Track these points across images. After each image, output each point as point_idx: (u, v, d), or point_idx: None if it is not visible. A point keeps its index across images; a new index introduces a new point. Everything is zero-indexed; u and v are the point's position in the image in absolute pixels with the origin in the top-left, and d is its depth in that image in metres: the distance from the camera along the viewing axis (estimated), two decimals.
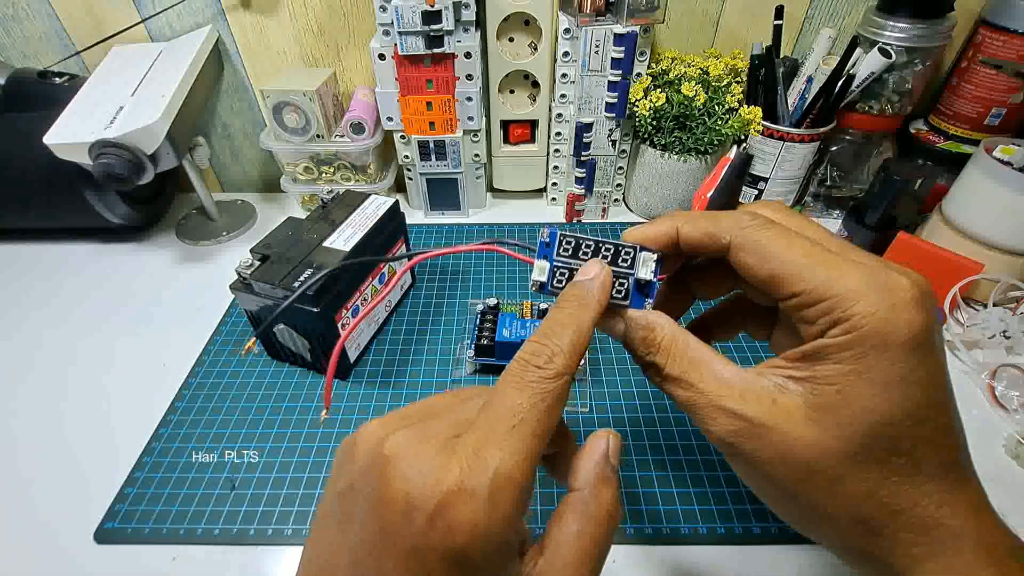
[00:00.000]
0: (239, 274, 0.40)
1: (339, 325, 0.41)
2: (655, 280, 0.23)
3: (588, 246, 0.23)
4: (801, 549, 0.33)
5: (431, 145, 0.57)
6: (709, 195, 0.40)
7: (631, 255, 0.23)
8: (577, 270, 0.23)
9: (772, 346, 0.25)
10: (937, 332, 0.19)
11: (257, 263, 0.41)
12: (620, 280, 0.22)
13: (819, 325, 0.19)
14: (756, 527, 0.34)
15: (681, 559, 0.33)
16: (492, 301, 0.44)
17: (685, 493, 0.36)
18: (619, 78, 0.52)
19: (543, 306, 0.45)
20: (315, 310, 0.38)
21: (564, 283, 0.23)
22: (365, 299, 0.44)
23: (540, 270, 0.23)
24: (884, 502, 0.18)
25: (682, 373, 0.21)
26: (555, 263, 0.23)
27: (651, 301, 0.23)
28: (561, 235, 0.23)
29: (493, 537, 0.16)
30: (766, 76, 0.54)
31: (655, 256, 0.23)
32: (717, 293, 0.26)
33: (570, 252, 0.23)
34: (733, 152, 0.38)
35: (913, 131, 0.59)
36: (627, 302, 0.23)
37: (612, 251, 0.23)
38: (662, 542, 0.33)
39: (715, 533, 0.34)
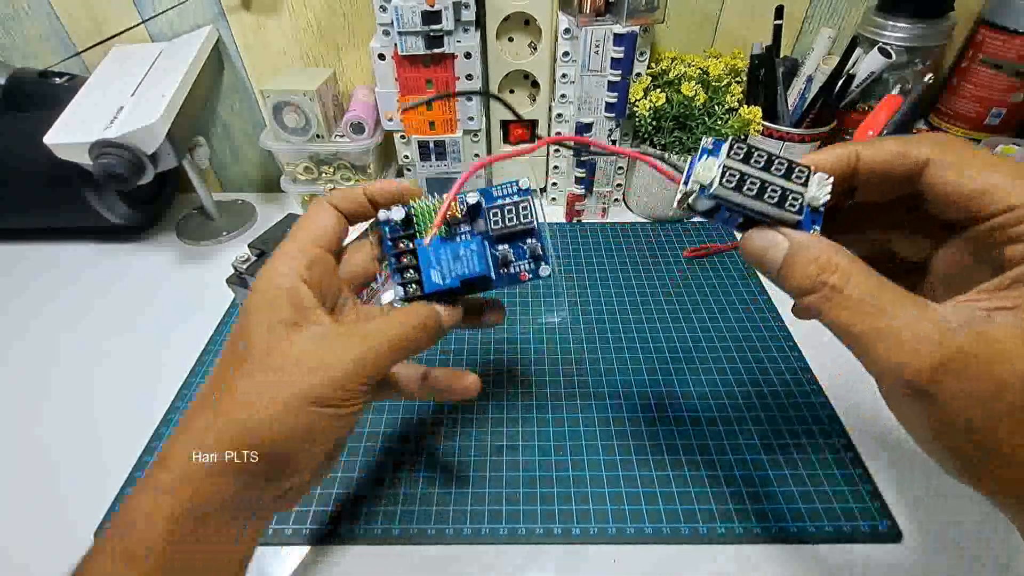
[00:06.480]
0: (236, 268, 0.40)
1: None
2: (825, 204, 0.21)
3: (761, 155, 0.21)
4: (801, 549, 0.33)
5: (431, 145, 0.57)
6: (884, 132, 0.36)
7: (805, 174, 0.21)
8: (752, 178, 0.20)
9: (932, 275, 0.23)
10: None
11: (254, 259, 0.41)
12: (794, 196, 0.20)
13: None
14: (757, 527, 0.34)
15: (681, 559, 0.33)
16: (397, 214, 0.25)
17: (685, 493, 0.35)
18: (619, 78, 0.52)
19: (472, 200, 0.26)
20: None
21: (755, 191, 0.20)
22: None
23: (707, 168, 0.21)
24: None
25: (870, 296, 0.18)
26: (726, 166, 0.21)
27: (818, 228, 0.21)
28: (732, 140, 0.21)
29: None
30: (766, 76, 0.54)
31: (830, 179, 0.21)
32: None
33: (740, 157, 0.21)
34: (898, 91, 0.35)
35: (913, 131, 0.59)
36: (800, 216, 0.20)
37: (785, 166, 0.21)
38: (662, 542, 0.33)
39: (715, 533, 0.33)
